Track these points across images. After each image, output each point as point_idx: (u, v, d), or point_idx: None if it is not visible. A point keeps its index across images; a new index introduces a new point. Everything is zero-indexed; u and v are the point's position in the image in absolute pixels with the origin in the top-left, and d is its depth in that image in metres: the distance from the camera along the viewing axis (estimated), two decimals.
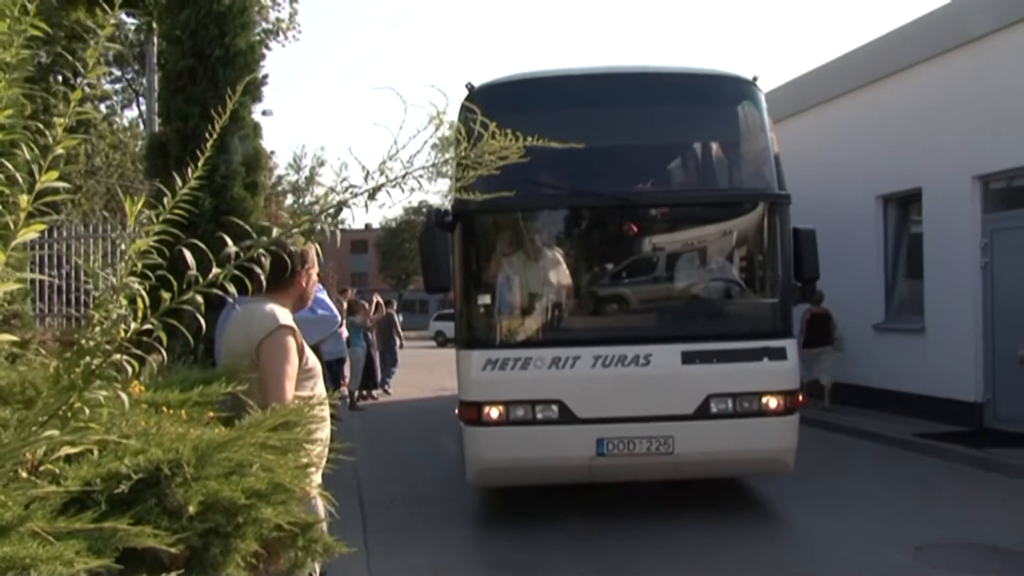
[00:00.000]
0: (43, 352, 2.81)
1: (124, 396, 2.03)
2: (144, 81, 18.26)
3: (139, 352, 2.06)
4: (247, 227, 2.32)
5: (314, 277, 3.67)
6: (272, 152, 44.93)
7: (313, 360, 3.51)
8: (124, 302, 1.97)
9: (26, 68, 2.17)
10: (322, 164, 61.44)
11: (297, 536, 2.41)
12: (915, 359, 12.15)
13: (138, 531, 1.85)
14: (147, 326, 1.97)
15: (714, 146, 8.28)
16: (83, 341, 1.96)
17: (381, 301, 17.99)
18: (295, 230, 2.31)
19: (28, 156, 1.87)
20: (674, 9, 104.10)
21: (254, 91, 8.13)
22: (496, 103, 7.08)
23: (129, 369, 1.98)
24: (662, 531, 6.99)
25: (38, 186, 1.87)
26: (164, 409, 2.66)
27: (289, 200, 54.36)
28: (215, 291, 2.04)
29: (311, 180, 60.13)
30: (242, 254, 2.13)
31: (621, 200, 7.45)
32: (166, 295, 1.97)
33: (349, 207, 2.29)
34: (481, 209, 6.79)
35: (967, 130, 11.10)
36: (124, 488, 1.97)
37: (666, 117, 7.91)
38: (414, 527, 7.46)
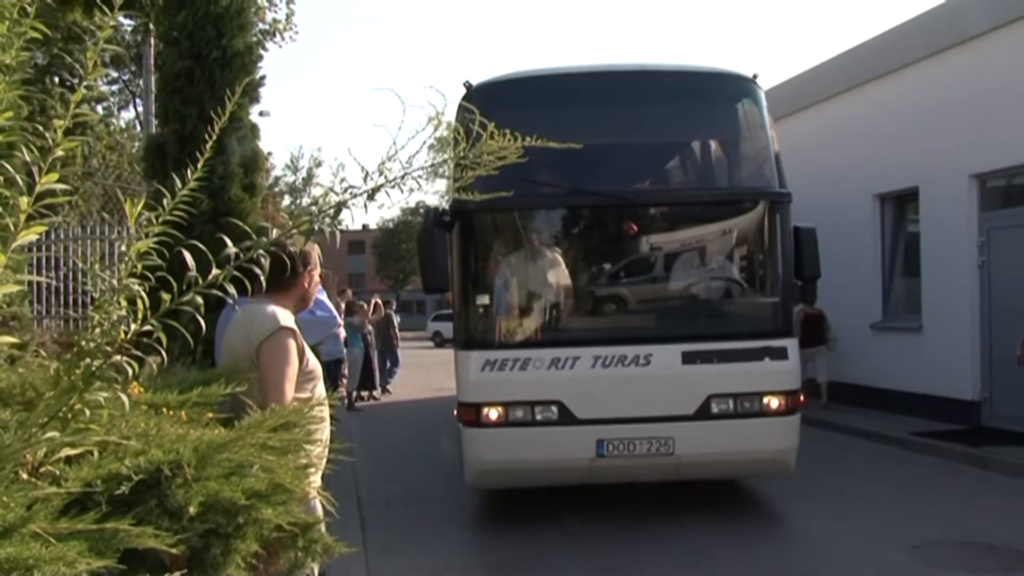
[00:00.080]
0: (43, 353, 2.81)
1: (124, 397, 2.03)
2: (141, 82, 18.24)
3: (139, 353, 2.06)
4: (246, 228, 2.32)
5: (316, 278, 3.66)
6: (269, 153, 44.94)
7: (313, 362, 3.51)
8: (124, 303, 1.97)
9: (25, 70, 2.17)
10: (319, 165, 61.49)
11: (297, 536, 2.41)
12: (912, 358, 12.16)
13: (139, 532, 1.85)
14: (147, 327, 1.97)
15: (714, 144, 8.24)
16: (83, 342, 1.96)
17: (380, 302, 18.02)
18: (294, 231, 2.31)
19: (28, 158, 1.87)
20: (673, 8, 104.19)
21: (252, 92, 8.11)
22: (494, 101, 7.06)
23: (129, 370, 1.98)
24: (662, 531, 6.98)
25: (38, 188, 1.87)
26: (164, 410, 2.67)
27: (286, 201, 54.35)
28: (215, 292, 2.04)
29: (308, 181, 60.14)
30: (242, 255, 2.14)
31: (621, 199, 7.41)
32: (166, 296, 1.97)
33: (348, 208, 2.29)
34: (480, 208, 6.73)
35: (964, 129, 11.12)
36: (125, 489, 1.98)
37: (666, 115, 7.87)
38: (413, 528, 7.46)
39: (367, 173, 2.25)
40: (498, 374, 6.86)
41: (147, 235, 2.02)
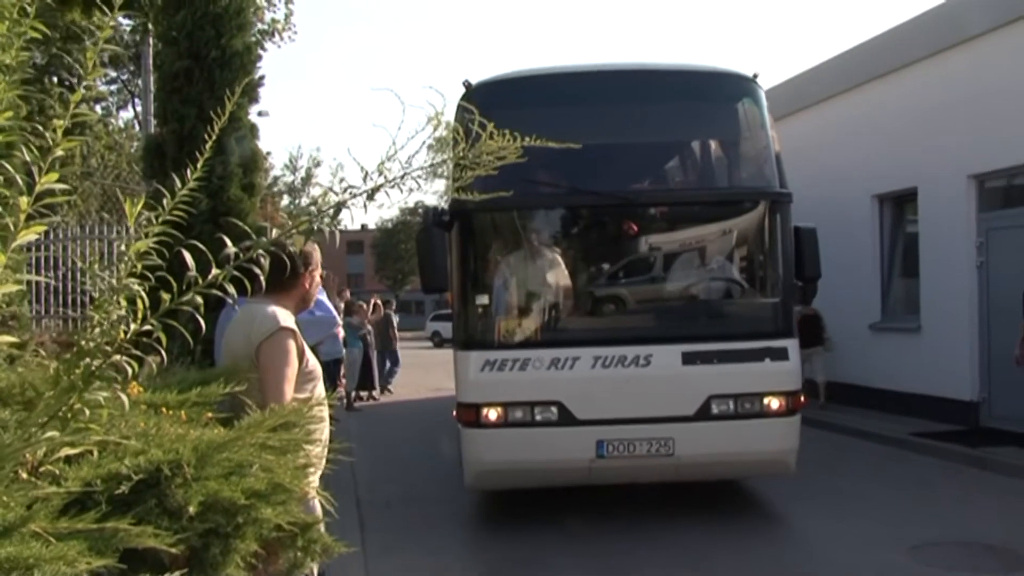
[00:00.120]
0: (42, 353, 2.81)
1: (124, 397, 2.04)
2: (139, 82, 18.24)
3: (138, 353, 2.06)
4: (246, 228, 2.32)
5: (317, 279, 3.66)
6: (268, 153, 44.93)
7: (313, 362, 3.50)
8: (124, 303, 1.97)
9: (24, 70, 2.17)
10: (318, 165, 61.53)
11: (296, 536, 2.42)
12: (911, 358, 12.17)
13: (139, 531, 1.85)
14: (146, 327, 1.97)
15: (714, 144, 8.21)
16: (83, 342, 1.96)
17: (379, 302, 18.03)
18: (294, 231, 2.31)
19: (28, 158, 1.87)
20: (673, 8, 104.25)
21: (251, 92, 8.12)
22: (493, 100, 7.06)
23: (129, 370, 1.98)
24: (661, 531, 6.98)
25: (38, 188, 1.87)
26: (163, 410, 2.67)
27: (285, 201, 54.35)
28: (214, 292, 2.05)
29: (307, 181, 60.16)
30: (242, 255, 2.14)
31: (620, 199, 7.38)
32: (166, 296, 1.98)
33: (348, 208, 2.29)
34: (479, 208, 6.67)
35: (963, 129, 11.12)
36: (124, 489, 1.98)
37: (666, 115, 7.83)
38: (411, 528, 7.47)
39: (366, 173, 2.25)
40: (497, 374, 6.83)
41: (147, 235, 2.03)
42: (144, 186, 8.73)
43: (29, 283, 8.46)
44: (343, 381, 14.33)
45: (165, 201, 2.08)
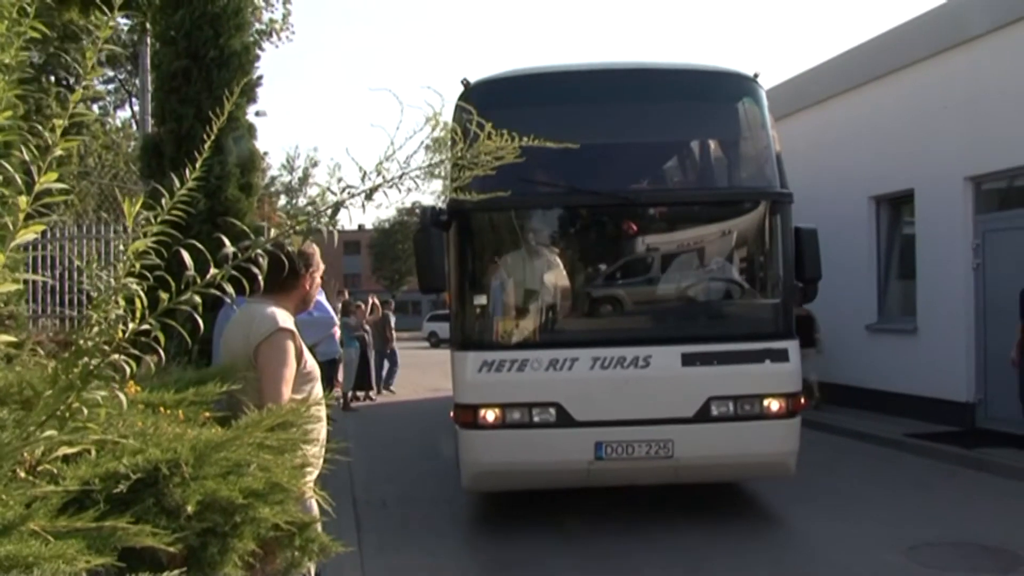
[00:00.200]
0: (40, 352, 2.81)
1: (122, 396, 2.04)
2: (137, 81, 18.24)
3: (136, 352, 2.06)
4: (245, 227, 2.33)
5: (317, 280, 3.66)
6: (265, 153, 44.87)
7: (312, 363, 3.50)
8: (122, 303, 1.98)
9: (23, 69, 2.17)
10: (315, 165, 61.47)
11: (294, 536, 2.42)
12: (907, 360, 12.19)
13: (137, 530, 1.85)
14: (145, 326, 1.97)
15: (714, 144, 8.15)
16: (81, 341, 1.96)
17: (378, 303, 18.04)
18: (292, 230, 2.32)
19: (27, 157, 1.87)
20: (673, 7, 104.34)
21: (249, 92, 8.12)
22: (492, 99, 7.02)
23: (127, 369, 1.99)
24: (660, 533, 6.98)
25: (37, 187, 1.87)
26: (161, 409, 2.67)
27: (282, 201, 54.31)
28: (213, 292, 2.05)
29: (304, 181, 60.11)
30: (240, 255, 2.14)
31: (620, 199, 7.33)
32: (164, 296, 1.98)
33: (346, 207, 2.30)
34: (477, 207, 6.61)
35: (959, 131, 11.15)
36: (123, 488, 1.98)
37: (666, 114, 7.78)
38: (408, 528, 7.46)
39: (365, 173, 2.25)
40: (495, 375, 6.78)
41: (145, 234, 2.03)
42: (142, 185, 8.72)
43: (26, 282, 8.46)
44: (339, 381, 14.32)
45: (164, 201, 2.08)
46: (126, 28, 18.53)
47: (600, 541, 6.83)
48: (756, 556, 6.43)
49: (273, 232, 2.28)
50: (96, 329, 1.96)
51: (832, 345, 13.35)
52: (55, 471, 2.00)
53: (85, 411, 1.97)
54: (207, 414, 2.88)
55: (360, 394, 16.84)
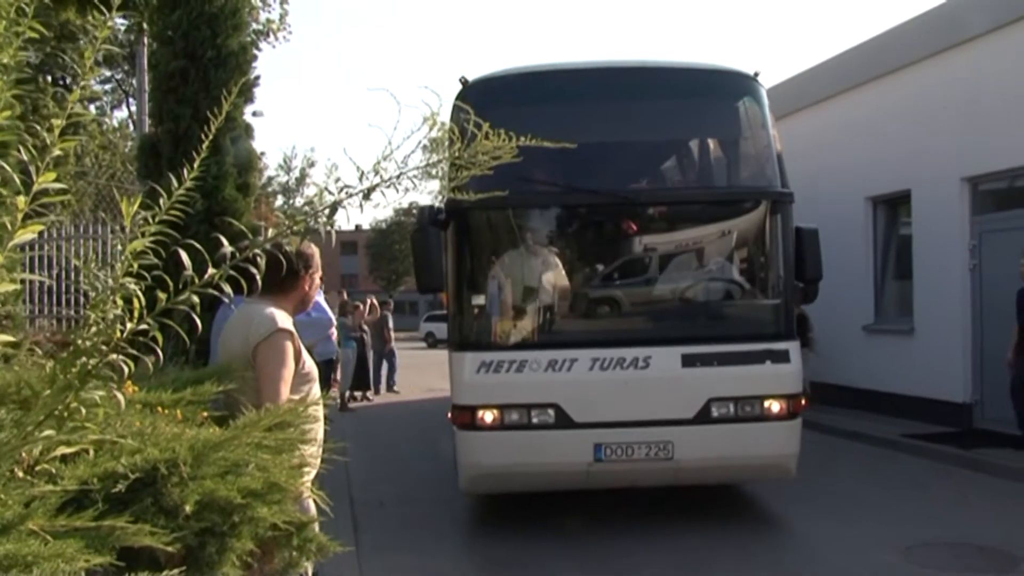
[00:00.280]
0: (38, 352, 2.81)
1: (120, 396, 2.04)
2: (134, 82, 18.20)
3: (134, 352, 2.06)
4: (242, 227, 2.33)
5: (317, 281, 3.65)
6: (263, 153, 44.84)
7: (310, 364, 3.50)
8: (120, 302, 1.98)
9: (21, 69, 2.17)
10: (312, 165, 61.47)
11: (292, 535, 2.42)
12: (904, 360, 12.20)
13: (136, 530, 1.86)
14: (143, 326, 1.97)
15: (714, 143, 8.10)
16: (79, 341, 1.96)
17: (376, 303, 18.05)
18: (289, 230, 2.32)
19: (25, 157, 1.88)
20: (673, 7, 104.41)
21: (246, 92, 8.12)
22: (491, 98, 6.99)
23: (125, 369, 1.99)
24: (660, 534, 6.97)
25: (35, 187, 1.87)
26: (159, 409, 2.67)
27: (279, 201, 54.27)
28: (211, 291, 2.05)
29: (301, 181, 60.09)
30: (238, 254, 2.14)
31: (619, 198, 7.27)
32: (162, 295, 1.98)
33: (344, 207, 2.30)
34: (475, 206, 6.53)
35: (956, 132, 11.16)
36: (121, 487, 1.98)
37: (666, 113, 7.73)
38: (405, 528, 7.46)
39: (362, 173, 2.25)
40: (494, 376, 6.73)
41: (143, 234, 2.03)
42: (139, 186, 8.72)
43: (24, 282, 8.45)
44: (337, 381, 14.32)
45: (161, 201, 2.08)
46: (123, 28, 18.50)
47: (599, 543, 6.81)
48: (756, 558, 6.42)
49: (271, 232, 2.28)
50: (94, 329, 1.96)
51: (829, 346, 13.34)
52: (53, 471, 2.00)
53: (83, 411, 1.97)
54: (205, 414, 2.88)
55: (358, 394, 16.85)
